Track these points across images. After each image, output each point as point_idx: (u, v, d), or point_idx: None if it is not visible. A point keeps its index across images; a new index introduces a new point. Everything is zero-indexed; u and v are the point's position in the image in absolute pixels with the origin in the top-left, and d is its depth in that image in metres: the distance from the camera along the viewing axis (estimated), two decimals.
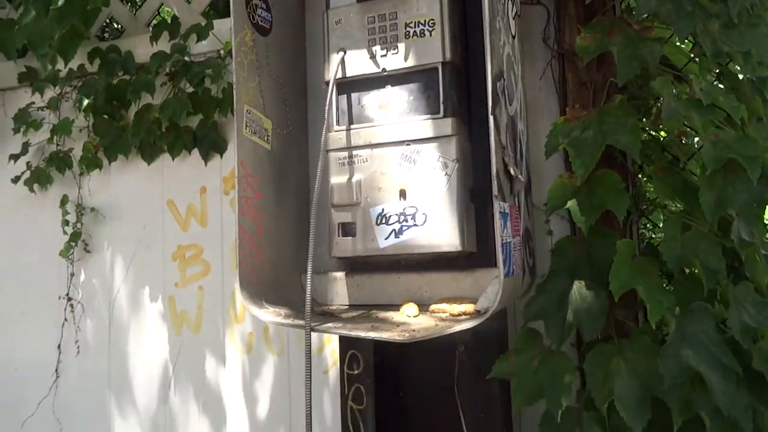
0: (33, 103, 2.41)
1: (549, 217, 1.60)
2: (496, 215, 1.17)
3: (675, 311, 1.36)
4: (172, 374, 2.22)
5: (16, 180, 2.39)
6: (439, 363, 1.54)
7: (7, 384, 2.46)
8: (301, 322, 1.30)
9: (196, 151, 2.21)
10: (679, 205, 1.66)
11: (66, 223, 2.31)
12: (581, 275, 1.44)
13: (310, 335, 1.27)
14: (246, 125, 1.43)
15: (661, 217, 1.76)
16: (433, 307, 1.40)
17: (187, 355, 2.21)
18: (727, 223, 1.48)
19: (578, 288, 1.41)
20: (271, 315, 1.37)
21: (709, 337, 1.29)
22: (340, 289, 1.59)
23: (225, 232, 2.18)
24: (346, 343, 1.62)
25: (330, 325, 1.33)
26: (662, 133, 1.76)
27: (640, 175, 1.71)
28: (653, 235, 2.01)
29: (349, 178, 1.47)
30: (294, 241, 1.58)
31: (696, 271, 1.48)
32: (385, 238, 1.43)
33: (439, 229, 1.38)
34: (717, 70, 1.74)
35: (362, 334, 1.25)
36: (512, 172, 1.27)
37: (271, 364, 2.11)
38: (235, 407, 2.14)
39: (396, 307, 1.45)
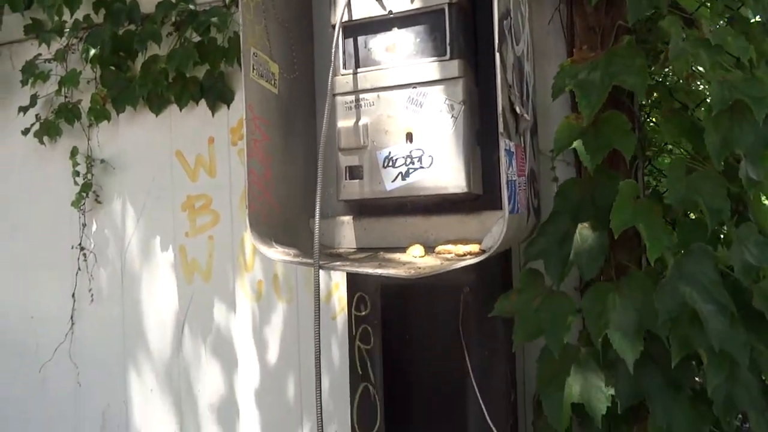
0: (40, 54, 2.42)
1: (555, 159, 1.61)
2: (502, 152, 1.18)
3: (675, 252, 1.38)
4: (185, 321, 2.28)
5: (26, 132, 2.42)
6: (444, 305, 1.57)
7: (25, 331, 2.53)
8: (310, 261, 1.33)
9: (203, 102, 2.22)
10: (685, 150, 1.67)
11: (76, 174, 2.34)
12: (584, 217, 1.46)
13: (318, 272, 1.30)
14: (253, 68, 1.44)
15: (666, 162, 1.76)
16: (438, 248, 1.43)
17: (199, 303, 2.26)
18: (732, 168, 1.49)
19: (580, 229, 1.43)
20: (280, 254, 1.40)
21: (707, 277, 1.31)
22: (347, 232, 1.61)
23: (233, 183, 2.21)
24: (353, 285, 1.65)
25: (338, 263, 1.36)
26: (670, 80, 1.75)
27: (646, 118, 1.71)
28: (658, 184, 2.02)
29: (356, 122, 1.48)
30: (302, 185, 1.61)
31: (699, 215, 1.50)
32: (392, 181, 1.44)
33: (445, 171, 1.39)
34: (728, 16, 1.72)
35: (369, 270, 1.28)
36: (518, 110, 1.27)
37: (280, 311, 2.16)
38: (246, 353, 2.20)
39: (402, 249, 1.48)
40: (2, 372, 2.59)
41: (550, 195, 1.64)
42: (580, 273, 1.42)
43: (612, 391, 1.36)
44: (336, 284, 2.07)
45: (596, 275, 1.44)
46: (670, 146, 1.69)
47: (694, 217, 1.53)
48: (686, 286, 1.29)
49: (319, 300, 1.30)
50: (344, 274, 1.91)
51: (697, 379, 1.54)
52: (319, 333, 1.28)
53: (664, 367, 1.38)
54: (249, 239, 2.16)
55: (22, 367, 2.54)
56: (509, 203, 1.19)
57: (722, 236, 1.61)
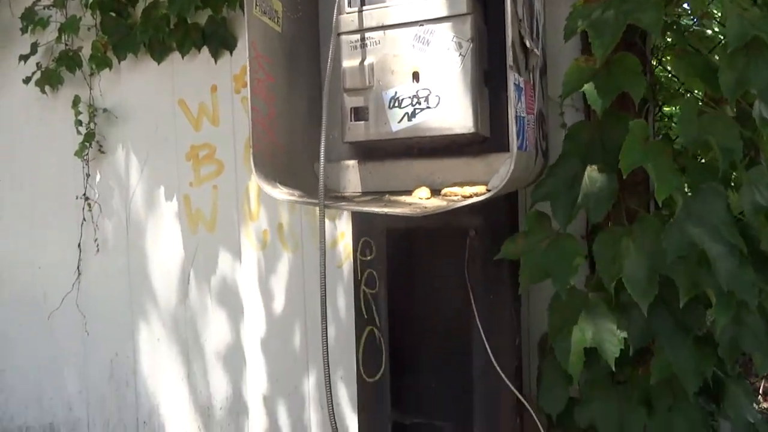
0: (39, 1, 2.37)
1: (564, 102, 1.57)
2: (510, 86, 1.15)
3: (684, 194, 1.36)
4: (190, 271, 2.29)
5: (27, 80, 2.39)
6: (450, 249, 1.57)
7: (33, 281, 2.56)
8: (315, 201, 1.32)
9: (205, 50, 2.18)
10: (697, 97, 1.64)
11: (79, 123, 2.32)
12: (593, 159, 1.43)
13: (323, 212, 1.28)
14: (256, 4, 1.40)
15: (676, 108, 1.73)
16: (445, 190, 1.41)
17: (204, 253, 2.27)
18: (745, 113, 1.46)
19: (589, 172, 1.41)
20: (285, 194, 1.39)
21: (717, 217, 1.29)
22: (352, 176, 1.60)
23: (237, 131, 2.18)
24: (358, 230, 1.65)
25: (343, 203, 1.35)
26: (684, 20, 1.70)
27: (658, 63, 1.67)
28: (668, 131, 1.99)
29: (361, 62, 1.45)
30: (306, 128, 1.58)
31: (710, 158, 1.47)
32: (398, 122, 1.42)
33: (452, 110, 1.37)
34: None
35: (376, 209, 1.27)
36: (528, 44, 1.24)
37: (285, 260, 2.16)
38: (252, 302, 2.21)
39: (408, 192, 1.46)
40: (12, 321, 2.62)
41: (559, 141, 1.62)
42: (587, 216, 1.41)
43: (624, 335, 1.36)
44: (341, 233, 2.07)
45: (604, 219, 1.42)
46: (681, 90, 1.65)
47: (704, 160, 1.50)
48: (695, 226, 1.28)
49: (324, 241, 1.29)
50: (350, 221, 1.91)
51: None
52: (324, 275, 1.27)
53: (675, 310, 1.38)
54: (254, 180, 2.15)
55: (31, 317, 2.57)
56: (518, 139, 1.17)
57: (733, 183, 1.59)
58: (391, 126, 1.42)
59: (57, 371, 2.55)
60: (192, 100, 2.24)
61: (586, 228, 1.70)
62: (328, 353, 1.32)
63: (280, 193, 1.38)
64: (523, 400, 1.51)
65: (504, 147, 1.41)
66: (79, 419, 2.51)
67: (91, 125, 2.33)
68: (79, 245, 2.43)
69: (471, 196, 1.36)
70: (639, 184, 1.66)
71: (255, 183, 2.17)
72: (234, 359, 2.25)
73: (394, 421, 1.64)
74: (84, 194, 2.40)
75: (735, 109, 1.44)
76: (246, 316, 2.23)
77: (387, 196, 1.48)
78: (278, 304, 2.18)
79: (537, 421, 1.51)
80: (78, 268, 2.45)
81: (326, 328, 1.21)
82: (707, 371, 1.40)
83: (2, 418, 2.67)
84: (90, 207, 2.41)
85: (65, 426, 2.54)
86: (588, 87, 1.43)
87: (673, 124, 1.92)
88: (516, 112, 1.17)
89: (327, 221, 2.07)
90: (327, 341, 1.31)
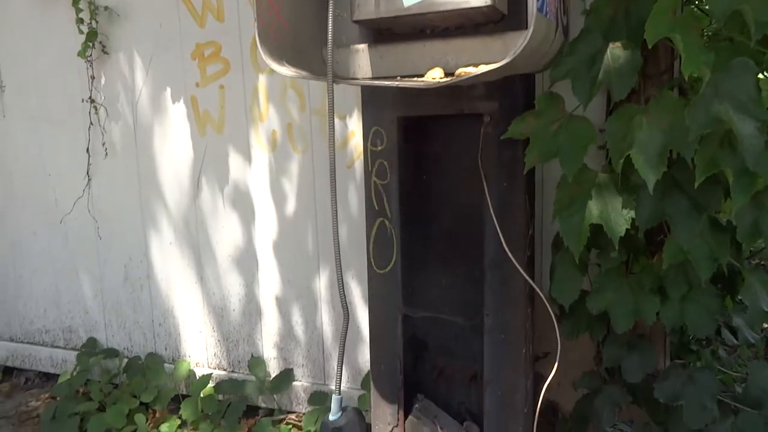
0: None
1: None
2: None
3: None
4: (200, 174, 2.27)
5: None
6: (463, 136, 1.52)
7: (44, 187, 2.56)
8: (323, 77, 1.27)
9: None
10: None
11: (80, 21, 2.24)
12: (616, 36, 1.35)
13: (332, 87, 1.23)
14: None
15: None
16: (459, 71, 1.35)
17: (213, 155, 2.24)
18: None
19: (612, 48, 1.34)
20: (291, 71, 1.34)
21: (746, 94, 1.22)
22: (362, 61, 1.53)
23: (243, 27, 2.10)
24: (369, 119, 1.60)
25: (352, 80, 1.29)
26: None
27: None
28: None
29: None
30: (313, 10, 1.50)
31: (741, 37, 1.39)
32: None
33: None
34: None
35: (387, 82, 1.22)
36: None
37: (295, 161, 2.13)
38: (263, 203, 2.20)
39: (421, 76, 1.40)
40: (27, 227, 2.64)
41: (579, 27, 1.53)
42: (609, 93, 1.35)
43: (632, 214, 1.33)
44: (352, 131, 2.02)
45: (626, 98, 1.36)
46: None
47: (733, 40, 1.41)
48: (722, 103, 1.21)
49: (333, 125, 1.25)
50: (360, 119, 1.86)
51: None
52: (333, 155, 1.24)
53: (689, 191, 1.33)
54: (262, 81, 2.10)
55: (45, 223, 2.59)
56: (538, 1, 1.10)
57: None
58: (402, 0, 1.35)
59: (73, 276, 2.59)
60: None
61: (606, 117, 1.63)
62: (339, 248, 1.31)
63: (287, 70, 1.33)
64: (535, 286, 1.50)
65: (522, 25, 1.33)
66: (96, 322, 2.57)
67: (93, 23, 2.25)
68: (87, 150, 2.41)
69: None
70: (663, 74, 1.58)
71: (263, 83, 2.11)
72: (246, 261, 2.26)
73: (405, 314, 1.65)
74: (90, 97, 2.36)
75: None
76: (257, 217, 2.22)
77: (398, 78, 1.43)
78: (289, 205, 2.17)
79: (550, 309, 1.51)
80: (87, 173, 2.43)
81: (336, 203, 1.19)
82: (722, 257, 1.37)
83: (22, 321, 2.74)
84: (96, 110, 2.37)
85: (83, 328, 2.61)
86: None
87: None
88: None
89: (337, 120, 2.02)
90: (338, 237, 1.30)
